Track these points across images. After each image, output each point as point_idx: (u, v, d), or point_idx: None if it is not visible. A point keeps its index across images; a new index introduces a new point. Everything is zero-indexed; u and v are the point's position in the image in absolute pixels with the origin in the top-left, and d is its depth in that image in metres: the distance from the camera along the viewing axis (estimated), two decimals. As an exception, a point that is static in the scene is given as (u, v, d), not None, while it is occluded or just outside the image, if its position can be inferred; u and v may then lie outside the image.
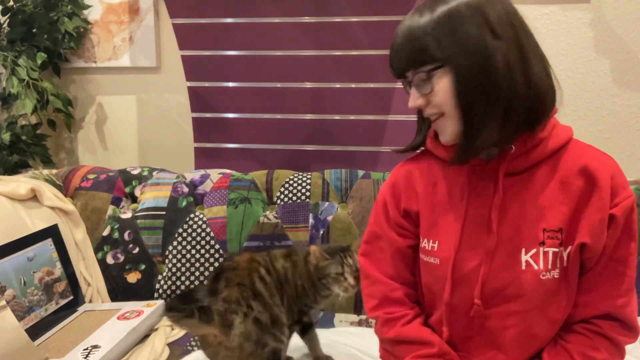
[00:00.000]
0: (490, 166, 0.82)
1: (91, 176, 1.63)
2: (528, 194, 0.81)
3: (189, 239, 1.53)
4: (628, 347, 1.20)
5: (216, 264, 1.51)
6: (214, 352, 1.03)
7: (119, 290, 1.52)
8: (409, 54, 0.77)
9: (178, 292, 1.50)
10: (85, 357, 1.13)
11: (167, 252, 1.53)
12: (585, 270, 0.82)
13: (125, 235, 1.54)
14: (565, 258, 0.80)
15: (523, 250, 0.80)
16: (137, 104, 2.10)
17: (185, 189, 1.60)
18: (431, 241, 0.87)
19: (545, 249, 0.79)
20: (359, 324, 1.42)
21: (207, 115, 1.93)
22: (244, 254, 1.12)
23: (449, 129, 0.80)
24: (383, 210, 0.94)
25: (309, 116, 1.88)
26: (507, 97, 0.74)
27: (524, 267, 0.80)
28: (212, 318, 0.99)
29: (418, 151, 0.95)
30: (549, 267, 0.79)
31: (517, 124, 0.77)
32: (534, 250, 0.79)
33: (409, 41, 0.77)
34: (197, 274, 1.51)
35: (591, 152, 0.83)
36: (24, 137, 1.96)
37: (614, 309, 0.80)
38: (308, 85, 1.86)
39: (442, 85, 0.76)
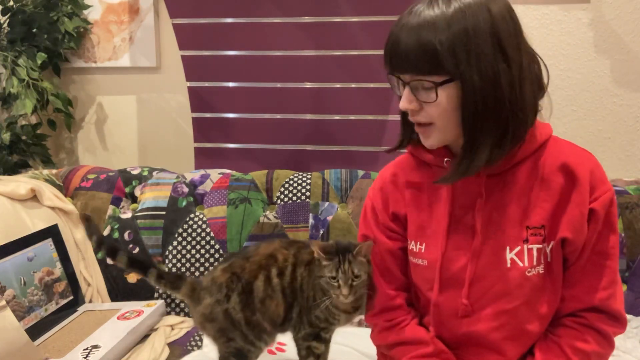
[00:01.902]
0: None
1: (91, 176, 1.63)
2: (510, 193, 0.83)
3: (189, 239, 1.53)
4: (628, 347, 1.21)
5: (216, 264, 1.51)
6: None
7: (119, 290, 1.52)
8: (419, 61, 0.74)
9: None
10: (85, 357, 1.13)
11: (167, 252, 1.53)
12: (569, 265, 0.83)
13: (125, 235, 1.54)
14: (549, 254, 0.81)
15: (507, 248, 0.81)
16: (137, 104, 2.10)
17: (185, 189, 1.60)
18: (418, 243, 0.89)
19: (529, 246, 0.81)
20: (359, 324, 1.42)
21: (207, 115, 1.93)
22: (271, 244, 1.02)
23: (433, 137, 0.80)
24: (372, 215, 0.96)
25: (309, 116, 1.88)
26: (510, 116, 0.75)
27: (509, 265, 0.81)
28: (180, 287, 1.01)
29: (404, 151, 0.95)
30: (534, 263, 0.81)
31: (514, 142, 0.78)
32: (518, 248, 0.81)
33: (420, 47, 0.73)
34: (197, 274, 1.51)
35: (570, 149, 0.84)
36: (24, 137, 1.96)
37: (599, 302, 0.81)
38: (308, 85, 1.86)
39: (447, 98, 0.75)
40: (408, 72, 0.76)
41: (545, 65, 0.81)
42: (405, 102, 0.78)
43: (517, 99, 0.75)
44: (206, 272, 1.50)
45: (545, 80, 0.82)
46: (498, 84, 0.73)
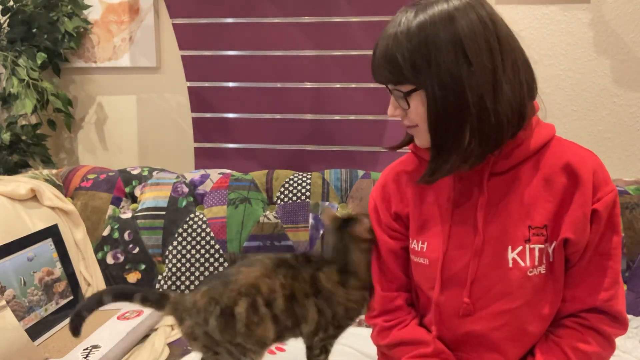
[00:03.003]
0: (475, 167, 0.84)
1: (91, 176, 1.63)
2: (513, 192, 0.83)
3: (189, 239, 1.53)
4: (628, 347, 1.21)
5: (216, 264, 1.51)
6: None
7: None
8: (386, 73, 0.80)
9: (178, 292, 1.50)
10: (85, 357, 1.13)
11: (167, 252, 1.53)
12: (571, 265, 0.83)
13: (125, 235, 1.54)
14: (551, 254, 0.81)
15: (509, 248, 0.81)
16: (137, 104, 2.10)
17: (185, 189, 1.60)
18: (420, 242, 0.89)
19: (531, 246, 0.81)
20: (359, 324, 1.42)
21: (207, 115, 1.93)
22: (251, 271, 0.96)
23: (422, 138, 0.83)
24: (374, 214, 0.96)
25: (309, 116, 1.88)
26: (476, 123, 0.76)
27: (511, 265, 0.81)
28: (164, 306, 0.98)
29: (408, 151, 0.96)
30: (536, 263, 0.81)
31: (485, 147, 0.78)
32: (520, 248, 0.81)
33: (386, 61, 0.79)
34: (197, 274, 1.51)
35: (573, 149, 0.84)
36: (24, 137, 1.96)
37: (601, 303, 0.81)
38: (308, 85, 1.86)
39: (417, 106, 0.79)
40: (382, 82, 0.82)
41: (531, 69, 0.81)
42: (390, 109, 0.84)
43: (486, 104, 0.75)
44: (206, 272, 1.51)
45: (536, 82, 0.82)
46: (461, 91, 0.74)
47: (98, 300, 0.99)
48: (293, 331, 0.98)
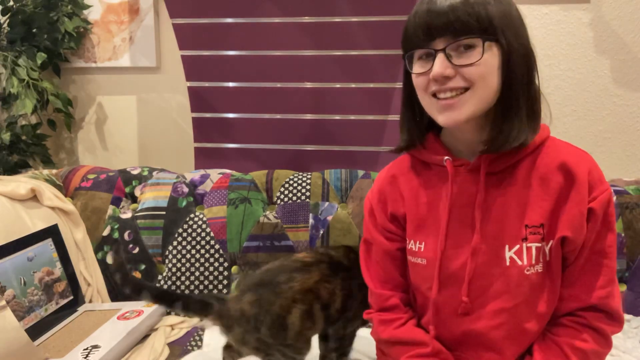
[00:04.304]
0: (472, 166, 0.84)
1: (91, 176, 1.63)
2: (509, 192, 0.84)
3: (189, 239, 1.53)
4: (628, 347, 1.21)
5: (216, 264, 1.51)
6: None
7: (119, 290, 1.52)
8: (467, 17, 0.74)
9: (178, 292, 1.50)
10: (85, 357, 1.13)
11: (167, 252, 1.53)
12: (567, 264, 0.84)
13: (125, 235, 1.54)
14: (547, 252, 0.82)
15: (507, 246, 0.82)
16: (137, 104, 2.10)
17: (185, 189, 1.60)
18: (417, 242, 0.89)
19: (528, 245, 0.81)
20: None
21: (207, 115, 1.93)
22: (309, 277, 0.99)
23: (469, 105, 0.78)
24: (370, 217, 0.97)
25: (309, 116, 1.88)
26: (534, 94, 0.81)
27: (508, 264, 0.82)
28: (207, 315, 0.99)
29: (404, 153, 0.95)
30: (533, 262, 0.81)
31: (529, 121, 0.80)
32: (517, 247, 0.82)
33: (469, 6, 0.75)
34: (197, 274, 1.51)
35: (568, 149, 0.85)
36: (24, 137, 1.96)
37: (597, 301, 0.82)
38: (308, 85, 1.86)
39: (491, 58, 0.77)
40: (449, 33, 0.76)
41: None
42: (440, 67, 0.76)
43: (535, 78, 0.81)
44: (206, 272, 1.50)
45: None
46: (531, 60, 0.80)
47: (138, 291, 0.97)
48: (338, 322, 1.02)
